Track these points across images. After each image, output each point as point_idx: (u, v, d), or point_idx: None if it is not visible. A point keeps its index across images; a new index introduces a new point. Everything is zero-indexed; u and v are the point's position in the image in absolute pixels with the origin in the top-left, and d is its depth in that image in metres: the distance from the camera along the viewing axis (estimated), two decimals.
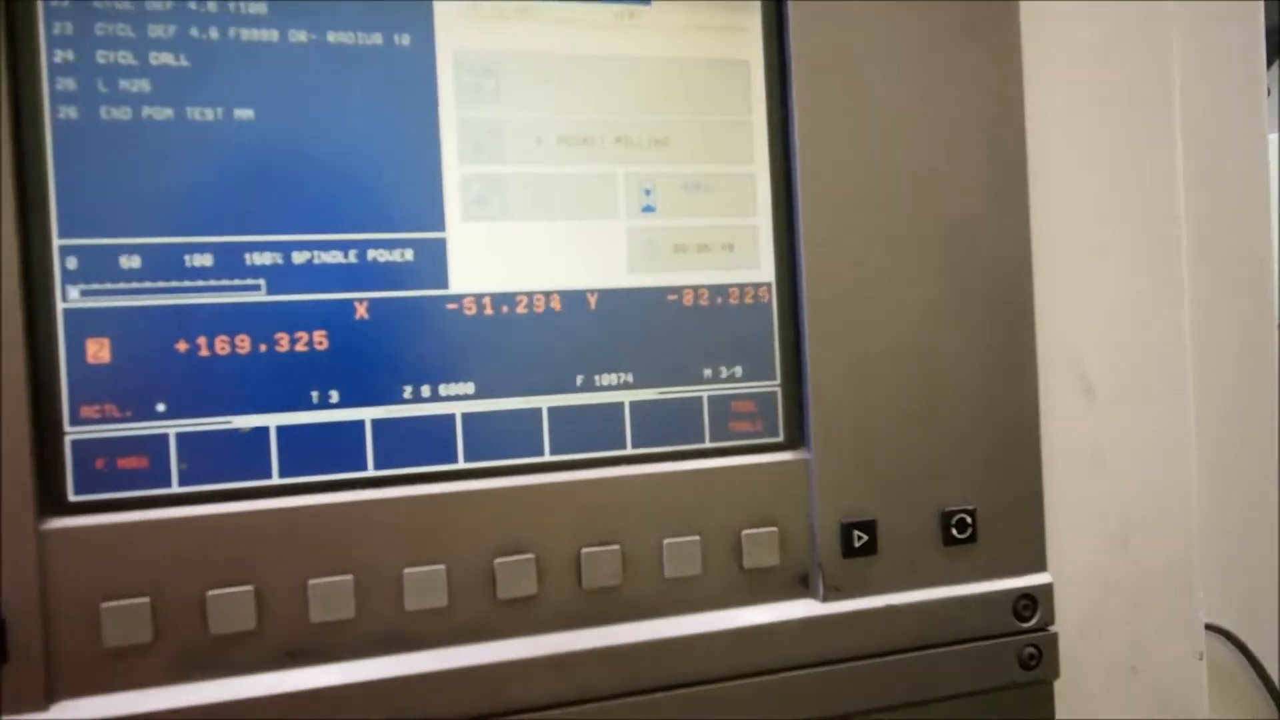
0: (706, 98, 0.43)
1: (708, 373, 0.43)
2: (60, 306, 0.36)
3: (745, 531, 0.42)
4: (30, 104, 0.35)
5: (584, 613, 0.40)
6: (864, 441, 0.44)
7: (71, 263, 0.36)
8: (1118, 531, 0.49)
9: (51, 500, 0.35)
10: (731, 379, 0.43)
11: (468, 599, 0.39)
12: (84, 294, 0.36)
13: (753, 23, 0.43)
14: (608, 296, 0.42)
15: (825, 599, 0.43)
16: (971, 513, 0.45)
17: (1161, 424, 0.50)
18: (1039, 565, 0.46)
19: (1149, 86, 0.50)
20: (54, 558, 0.35)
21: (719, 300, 0.43)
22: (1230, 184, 0.56)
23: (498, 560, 0.39)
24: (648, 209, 0.42)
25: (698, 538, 0.42)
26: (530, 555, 0.40)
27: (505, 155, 0.40)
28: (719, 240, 0.43)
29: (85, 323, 0.36)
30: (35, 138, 0.35)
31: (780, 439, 0.44)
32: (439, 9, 0.40)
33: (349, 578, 0.38)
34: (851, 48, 0.43)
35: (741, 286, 0.43)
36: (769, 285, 0.44)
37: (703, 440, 0.43)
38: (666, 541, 0.41)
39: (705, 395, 0.43)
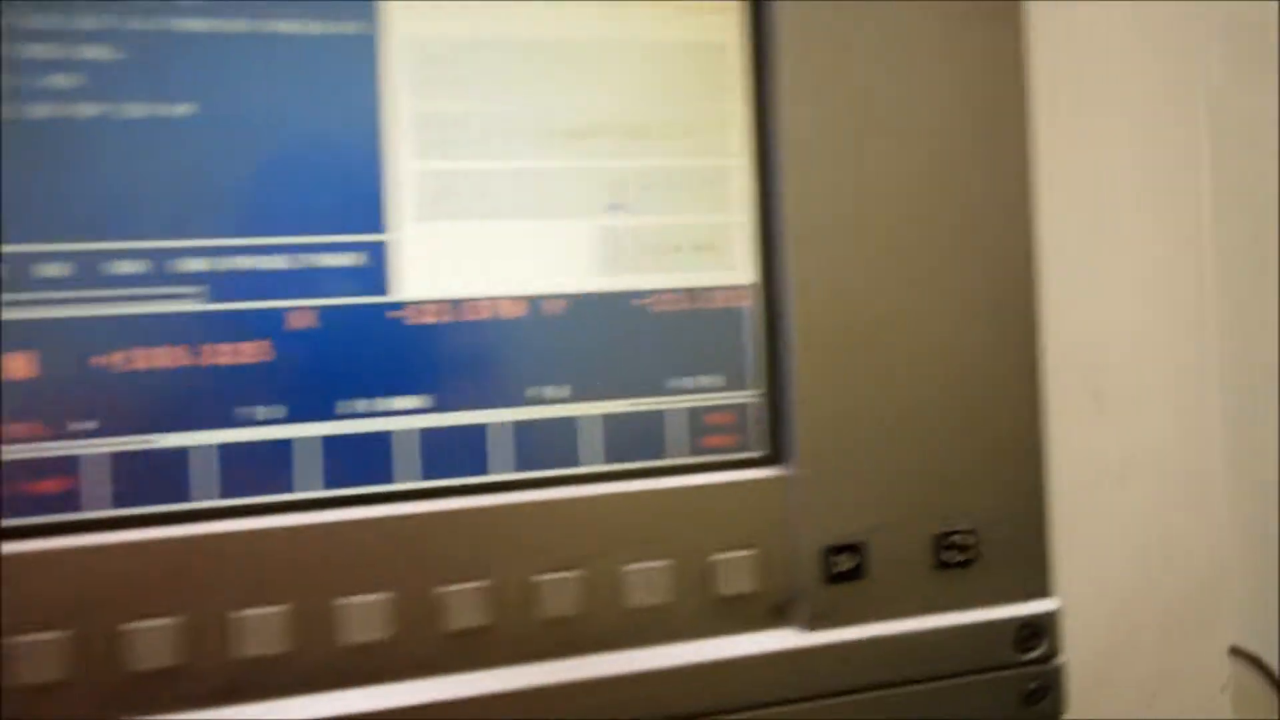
0: (682, 85, 0.37)
1: (681, 383, 0.37)
2: None
3: (719, 556, 0.37)
4: None
5: (540, 645, 0.35)
6: (852, 457, 0.38)
7: None
8: (1139, 552, 0.42)
9: None
10: (707, 389, 0.37)
11: (412, 631, 0.34)
12: (11, 306, 0.31)
13: (731, 3, 0.37)
14: (572, 302, 0.36)
15: (808, 629, 0.37)
16: (970, 534, 0.39)
17: (1186, 435, 0.43)
18: (1044, 591, 0.40)
19: (1174, 79, 0.43)
20: None
21: (693, 304, 0.37)
22: (1260, 177, 0.49)
23: (444, 589, 0.34)
24: (616, 206, 0.37)
25: (666, 562, 0.36)
26: (480, 583, 0.34)
27: (463, 150, 0.35)
28: (694, 240, 0.37)
29: (5, 335, 0.31)
30: None
31: (760, 454, 0.38)
32: None
33: (282, 608, 0.33)
34: (840, 29, 0.37)
35: (718, 289, 0.38)
36: (749, 288, 0.38)
37: (675, 456, 0.37)
38: (631, 567, 0.36)
39: (678, 407, 0.37)
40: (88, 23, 0.32)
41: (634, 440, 0.37)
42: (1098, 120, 0.42)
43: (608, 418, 0.36)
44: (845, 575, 0.37)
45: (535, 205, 0.36)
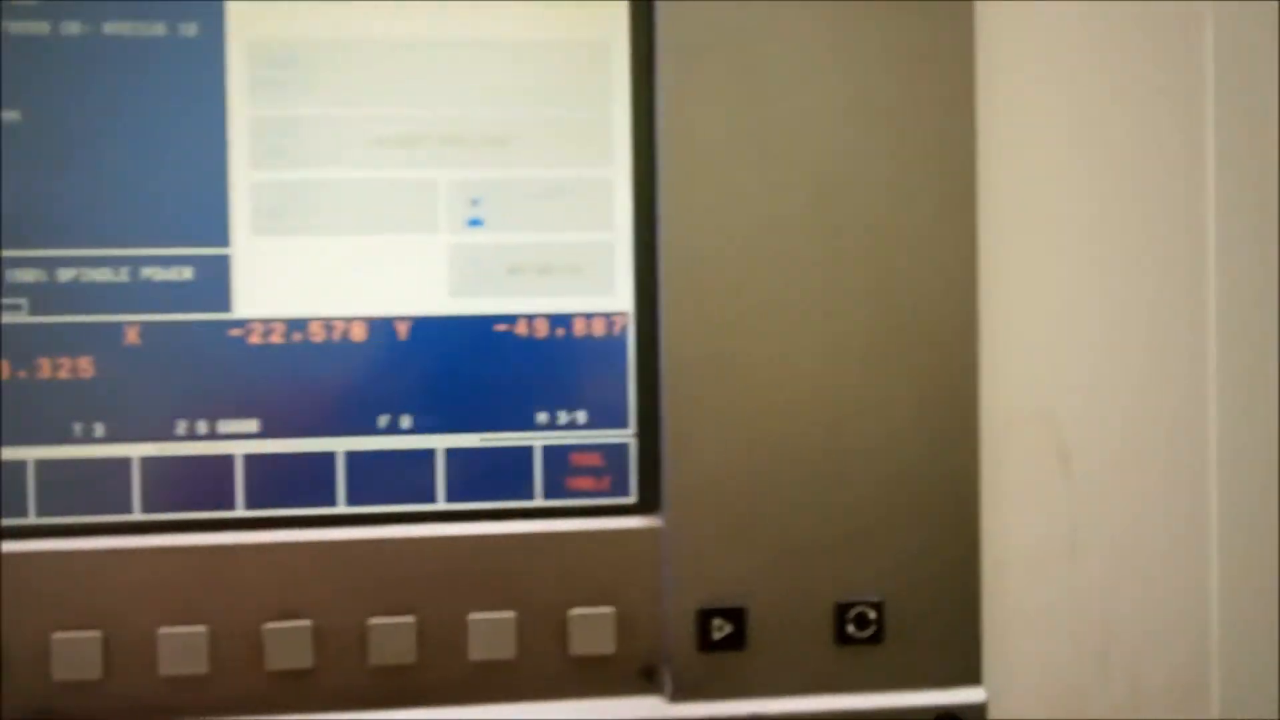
0: (556, 87, 0.33)
1: (543, 417, 0.33)
2: None
3: (577, 611, 0.32)
4: None
5: (369, 693, 0.32)
6: (735, 510, 0.33)
7: None
8: (1096, 641, 0.35)
9: None
10: (573, 425, 0.33)
11: (231, 667, 0.31)
12: None
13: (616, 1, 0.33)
14: (422, 325, 0.33)
15: (673, 699, 0.33)
16: (877, 606, 0.33)
17: (1166, 501, 0.35)
18: (970, 677, 0.33)
19: (1167, 73, 0.35)
20: None
21: (561, 331, 0.33)
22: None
23: (267, 625, 0.31)
24: (475, 222, 0.33)
25: (512, 614, 0.32)
26: (306, 622, 0.32)
27: (305, 159, 0.32)
28: (564, 260, 0.33)
29: None
30: None
31: (630, 501, 0.33)
32: None
33: (97, 634, 0.31)
34: (736, 26, 0.32)
35: (590, 316, 0.33)
36: (625, 314, 0.33)
37: (533, 497, 0.33)
38: (471, 617, 0.32)
39: (538, 444, 0.33)
40: None
41: (488, 478, 0.33)
42: (1053, 114, 0.35)
43: (460, 451, 0.33)
44: (722, 643, 0.32)
45: (382, 219, 0.32)
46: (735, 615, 0.33)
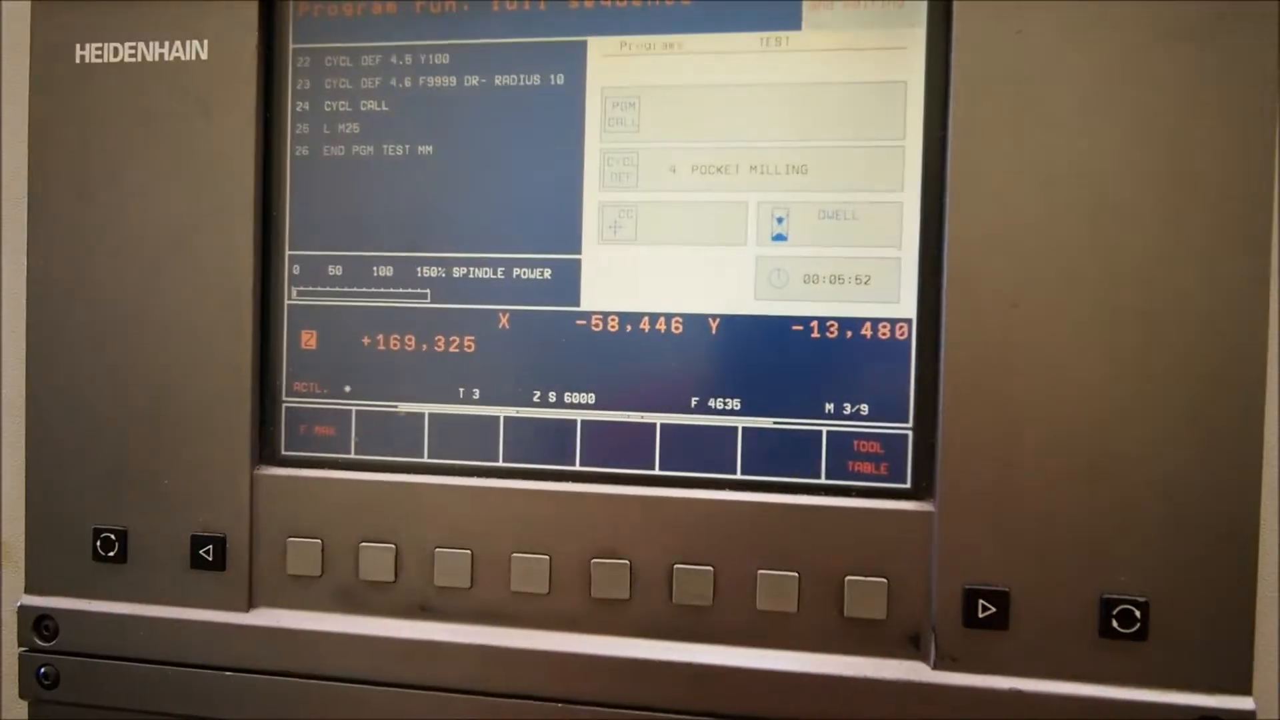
0: (855, 122, 0.34)
1: (830, 407, 0.35)
2: (285, 303, 0.38)
3: (850, 578, 0.34)
4: (276, 144, 0.38)
5: (671, 627, 0.35)
6: (1004, 502, 0.33)
7: (295, 269, 0.38)
8: None
9: (266, 453, 0.38)
10: (856, 416, 0.35)
11: (565, 591, 0.36)
12: (300, 294, 0.38)
13: (914, 41, 0.34)
14: (730, 322, 0.35)
15: (937, 666, 0.33)
16: (1142, 605, 0.32)
17: None
18: (1238, 686, 0.31)
19: None
20: (261, 497, 0.38)
21: (849, 334, 0.35)
22: None
23: (594, 560, 0.35)
24: (779, 237, 0.35)
25: (795, 574, 0.34)
26: (625, 561, 0.35)
27: (641, 183, 0.36)
28: (855, 271, 0.35)
29: (301, 317, 0.38)
30: (278, 170, 0.38)
31: (906, 486, 0.34)
32: (592, 48, 0.36)
33: (467, 552, 0.36)
34: (1027, 66, 0.32)
35: (876, 321, 0.34)
36: (908, 322, 0.34)
37: (817, 476, 0.35)
38: (761, 572, 0.34)
39: (825, 430, 0.35)
40: (367, 84, 0.37)
41: (780, 456, 0.35)
42: None
43: (756, 431, 0.35)
44: (985, 621, 0.33)
45: (701, 233, 0.35)
46: (999, 598, 0.33)
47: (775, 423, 0.35)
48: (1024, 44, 0.32)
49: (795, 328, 0.35)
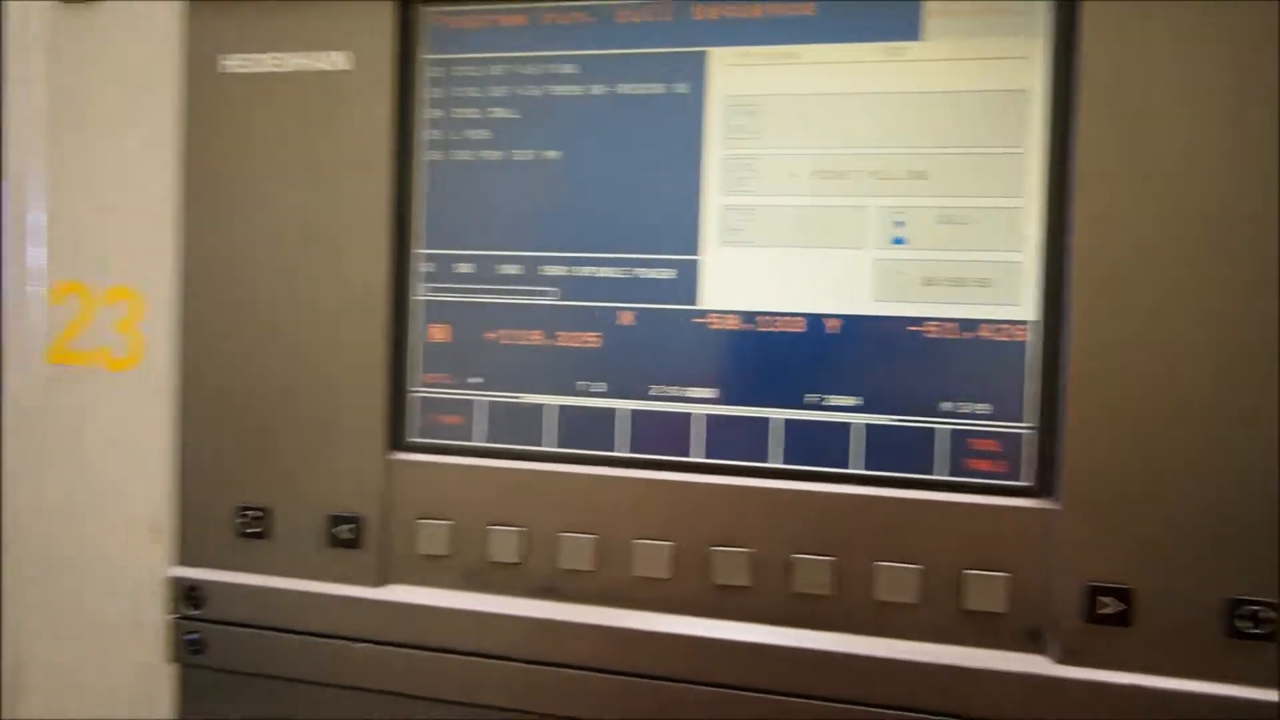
0: (975, 129, 0.33)
1: (947, 406, 0.33)
2: (416, 299, 0.38)
3: (969, 571, 0.32)
4: (410, 149, 0.38)
5: (790, 613, 0.34)
6: (1129, 501, 0.31)
7: (427, 267, 0.38)
8: None
9: (397, 439, 0.38)
10: (973, 415, 0.33)
11: (686, 577, 0.35)
12: (431, 290, 0.38)
13: (1036, 51, 0.32)
14: (848, 322, 0.34)
15: (1060, 661, 0.31)
16: (1275, 607, 0.30)
17: None
18: None
19: None
20: (394, 481, 0.37)
21: (968, 335, 0.33)
22: None
23: (715, 548, 0.34)
24: (898, 240, 0.34)
25: (916, 567, 0.33)
26: (746, 549, 0.34)
27: (759, 188, 0.35)
28: (974, 274, 0.33)
29: (431, 312, 0.38)
30: (412, 173, 0.38)
31: (1027, 484, 0.33)
32: (715, 58, 0.35)
33: (592, 537, 0.35)
34: (1151, 75, 0.30)
35: (996, 323, 0.33)
36: (1028, 324, 0.33)
37: (934, 472, 0.33)
38: (879, 564, 0.33)
39: (942, 428, 0.33)
40: (496, 92, 0.37)
41: (898, 451, 0.34)
42: None
43: (876, 428, 0.34)
44: (1108, 618, 0.31)
45: (819, 236, 0.34)
46: (1123, 595, 0.31)
47: (892, 419, 0.34)
48: (1149, 53, 0.30)
49: (913, 328, 0.34)
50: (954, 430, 0.33)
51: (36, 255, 0.41)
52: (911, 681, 0.32)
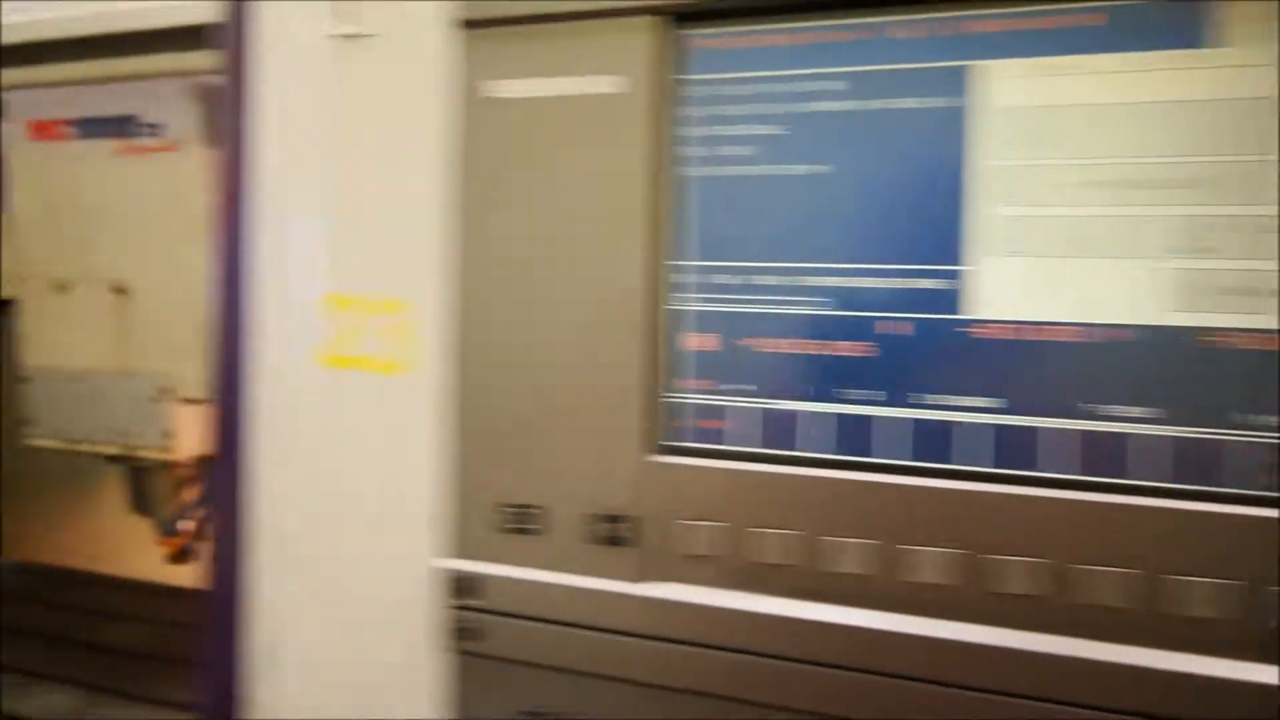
0: (1273, 136, 0.32)
1: (1237, 417, 0.32)
2: (676, 309, 0.39)
3: (1269, 588, 0.31)
4: (671, 166, 0.39)
5: (1070, 622, 0.33)
6: None
7: (688, 278, 0.39)
8: None
9: (654, 442, 0.39)
10: (1269, 428, 0.32)
11: (969, 584, 0.34)
12: (694, 300, 0.39)
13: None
14: (1137, 333, 0.34)
15: None
16: None
17: None
18: None
19: None
20: (651, 482, 0.38)
21: (1264, 346, 0.32)
22: None
23: (998, 557, 0.34)
24: (1191, 250, 0.33)
25: (1216, 581, 0.32)
26: (1030, 559, 0.34)
27: (1029, 198, 0.35)
28: (1270, 284, 0.32)
29: (690, 321, 0.39)
30: (673, 190, 0.39)
31: None
32: (986, 71, 0.35)
33: (862, 541, 0.36)
34: None
35: None
36: None
37: (1230, 485, 0.32)
38: (1173, 578, 0.32)
39: (1239, 441, 0.32)
40: (761, 110, 0.38)
41: (1177, 463, 0.33)
42: None
43: (1150, 438, 0.33)
44: None
45: (1105, 246, 0.34)
46: None
47: (1176, 431, 0.33)
48: None
49: (1204, 339, 0.33)
50: (1250, 443, 0.32)
51: (316, 267, 0.43)
52: (1206, 699, 0.31)
